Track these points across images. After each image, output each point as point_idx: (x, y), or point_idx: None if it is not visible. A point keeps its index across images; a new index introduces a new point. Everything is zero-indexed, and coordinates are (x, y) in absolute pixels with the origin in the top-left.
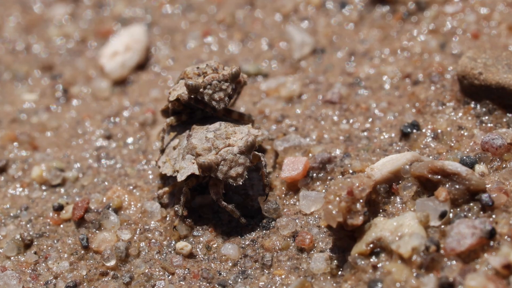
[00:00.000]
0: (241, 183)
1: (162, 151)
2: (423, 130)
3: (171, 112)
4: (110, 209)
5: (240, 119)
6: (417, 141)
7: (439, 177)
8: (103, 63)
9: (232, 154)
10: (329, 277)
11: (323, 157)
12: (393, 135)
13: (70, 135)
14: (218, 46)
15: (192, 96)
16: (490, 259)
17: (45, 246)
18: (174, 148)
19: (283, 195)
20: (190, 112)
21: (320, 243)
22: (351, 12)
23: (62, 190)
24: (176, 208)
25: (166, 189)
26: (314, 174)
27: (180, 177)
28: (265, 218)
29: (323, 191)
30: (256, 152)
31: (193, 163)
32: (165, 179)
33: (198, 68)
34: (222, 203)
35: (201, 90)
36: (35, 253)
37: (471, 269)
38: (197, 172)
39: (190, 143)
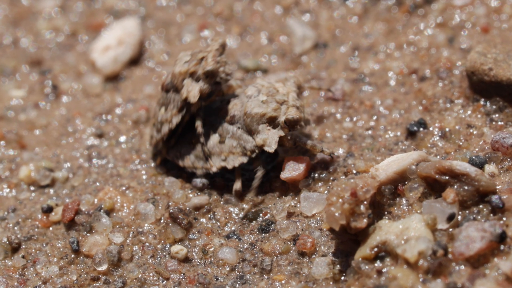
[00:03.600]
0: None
1: (207, 156)
2: (431, 129)
3: (189, 115)
4: (101, 211)
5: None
6: (424, 140)
7: (447, 177)
8: (94, 58)
9: (298, 100)
10: (331, 283)
11: (325, 157)
12: (398, 133)
13: (60, 133)
14: None
15: (212, 84)
16: (500, 263)
17: (33, 250)
18: (221, 142)
19: (283, 197)
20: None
21: (322, 247)
22: (355, 5)
23: (52, 191)
24: (236, 187)
25: (239, 182)
26: (316, 175)
27: (272, 147)
28: (264, 221)
29: (325, 192)
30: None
31: (269, 129)
32: (160, 180)
33: (190, 56)
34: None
35: (219, 70)
36: (23, 257)
37: (481, 274)
38: (282, 134)
39: (255, 114)
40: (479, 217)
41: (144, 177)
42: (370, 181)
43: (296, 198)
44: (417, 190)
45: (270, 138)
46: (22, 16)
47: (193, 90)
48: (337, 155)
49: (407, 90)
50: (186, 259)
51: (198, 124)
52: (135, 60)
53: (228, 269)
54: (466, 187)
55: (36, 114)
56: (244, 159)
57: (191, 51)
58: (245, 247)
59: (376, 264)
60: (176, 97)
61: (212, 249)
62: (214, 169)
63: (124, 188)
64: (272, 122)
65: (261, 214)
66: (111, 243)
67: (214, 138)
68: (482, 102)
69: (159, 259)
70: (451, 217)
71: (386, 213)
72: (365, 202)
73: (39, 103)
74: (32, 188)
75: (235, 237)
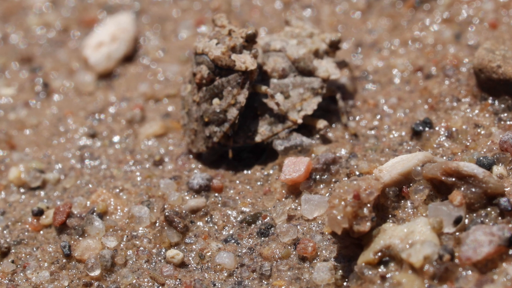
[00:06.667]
0: None
1: (286, 113)
2: (436, 128)
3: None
4: (94, 214)
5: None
6: (429, 140)
7: (453, 179)
8: (87, 55)
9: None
10: None
11: (327, 158)
12: (403, 133)
13: (51, 133)
14: None
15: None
16: (509, 269)
17: (23, 254)
18: (287, 97)
19: (283, 199)
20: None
21: (323, 251)
22: None
23: (42, 193)
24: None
25: (321, 121)
26: (317, 176)
27: (337, 73)
28: (263, 224)
29: (327, 194)
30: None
31: (321, 61)
32: (155, 182)
33: (215, 39)
34: None
35: (256, 30)
36: (13, 262)
37: (488, 280)
38: (333, 58)
39: (303, 55)
40: (487, 220)
41: (138, 178)
42: (374, 183)
43: (296, 201)
44: (422, 192)
45: (328, 67)
46: (12, 11)
47: (246, 59)
48: (339, 156)
49: (412, 88)
50: (182, 264)
51: (265, 88)
52: (129, 57)
53: (226, 274)
54: (473, 189)
55: (26, 113)
56: (319, 99)
57: (205, 38)
58: (243, 251)
59: (379, 269)
60: (230, 78)
61: (209, 253)
62: (300, 121)
63: (117, 190)
64: (317, 54)
65: (260, 217)
66: (104, 248)
67: (278, 98)
68: (490, 101)
69: (154, 264)
70: (457, 221)
71: (390, 216)
72: (369, 205)
73: (30, 101)
74: (22, 190)
75: (233, 241)
